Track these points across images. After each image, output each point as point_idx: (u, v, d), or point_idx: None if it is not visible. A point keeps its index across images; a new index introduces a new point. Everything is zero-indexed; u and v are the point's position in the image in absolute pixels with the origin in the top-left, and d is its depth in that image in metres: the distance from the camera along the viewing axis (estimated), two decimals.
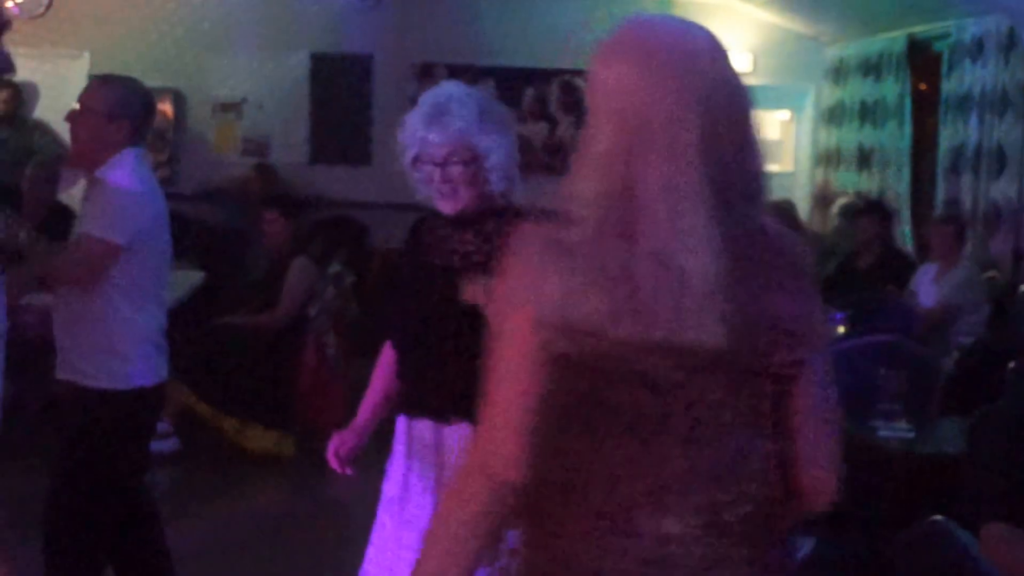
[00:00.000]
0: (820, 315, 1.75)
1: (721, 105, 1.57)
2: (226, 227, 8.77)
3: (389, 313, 2.91)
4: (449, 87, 2.70)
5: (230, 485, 5.72)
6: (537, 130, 9.29)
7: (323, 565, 4.58)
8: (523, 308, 1.59)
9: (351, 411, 3.33)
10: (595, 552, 1.66)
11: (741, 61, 9.20)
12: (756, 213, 1.60)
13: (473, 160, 2.59)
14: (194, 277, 6.45)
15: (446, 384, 2.64)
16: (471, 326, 2.42)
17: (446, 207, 2.62)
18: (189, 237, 8.84)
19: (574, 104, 9.30)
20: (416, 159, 2.62)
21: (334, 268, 6.53)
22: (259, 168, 8.90)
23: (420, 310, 2.69)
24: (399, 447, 2.81)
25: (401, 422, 2.78)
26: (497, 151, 2.62)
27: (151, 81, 9.12)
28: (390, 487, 2.78)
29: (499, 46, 8.96)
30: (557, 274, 1.57)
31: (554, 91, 9.23)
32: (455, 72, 8.93)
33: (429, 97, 2.65)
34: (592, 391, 1.62)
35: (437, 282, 2.64)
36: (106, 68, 9.79)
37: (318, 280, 6.25)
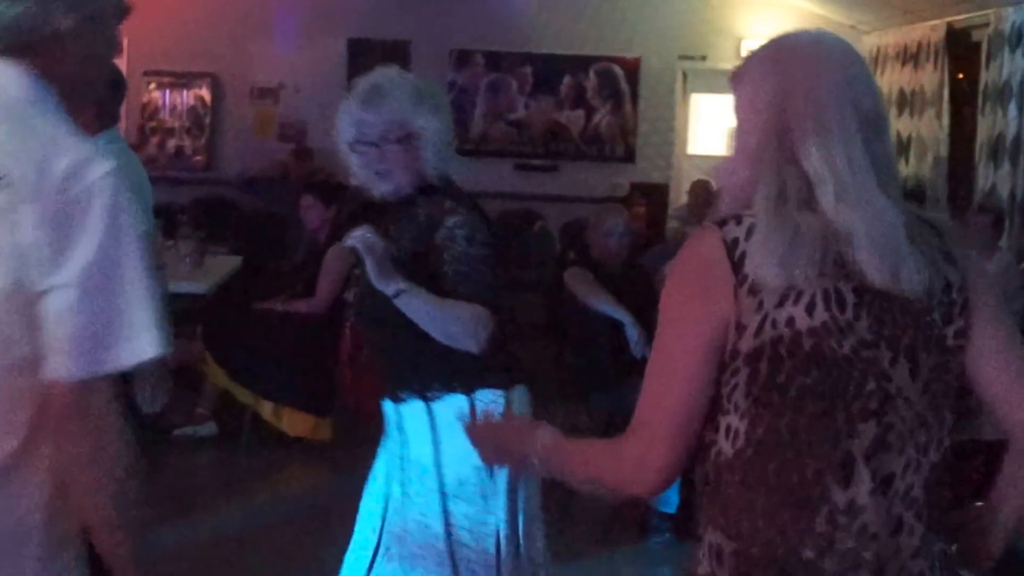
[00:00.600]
0: (986, 282, 1.82)
1: (861, 94, 1.69)
2: (264, 212, 8.80)
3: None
4: (384, 70, 2.75)
5: (268, 469, 5.76)
6: (574, 118, 9.22)
7: None
8: (700, 301, 1.68)
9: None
10: (783, 527, 1.70)
11: None
12: (899, 195, 1.70)
13: (408, 139, 2.63)
14: (232, 262, 6.49)
15: (395, 365, 2.73)
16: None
17: (383, 188, 2.66)
18: (227, 222, 8.89)
19: (611, 92, 9.25)
20: (355, 142, 2.66)
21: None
22: (296, 153, 8.92)
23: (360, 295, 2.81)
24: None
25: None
26: (432, 130, 2.65)
27: (190, 66, 9.32)
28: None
29: (537, 33, 8.92)
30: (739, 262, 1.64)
31: (592, 79, 9.16)
32: (492, 59, 8.95)
33: (364, 81, 2.70)
34: (773, 372, 1.67)
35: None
36: (145, 54, 9.95)
37: (356, 265, 6.20)
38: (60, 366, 1.60)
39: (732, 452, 1.71)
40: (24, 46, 1.69)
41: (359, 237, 2.53)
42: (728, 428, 1.71)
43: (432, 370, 2.71)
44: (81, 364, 1.61)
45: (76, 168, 1.61)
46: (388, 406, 2.81)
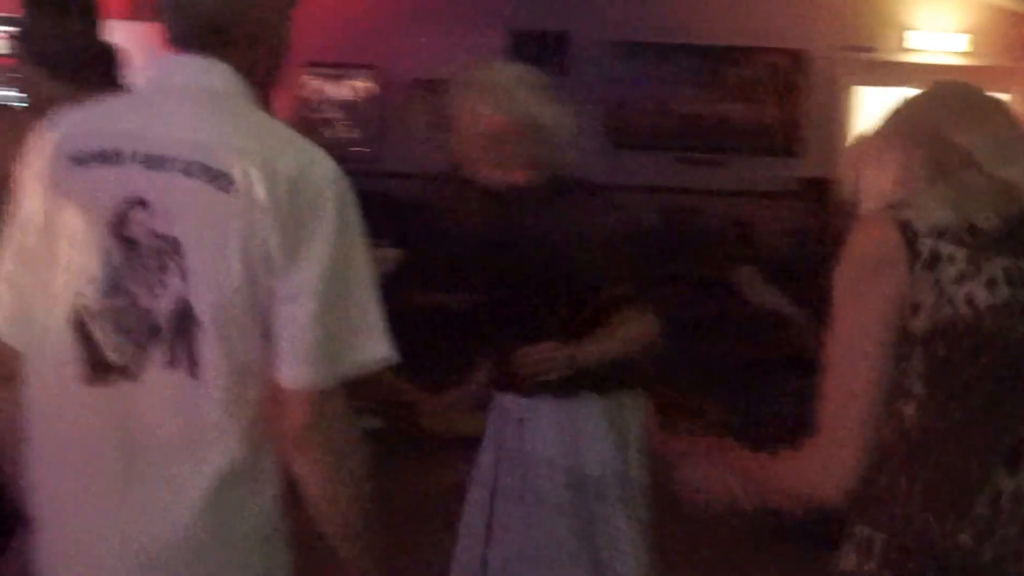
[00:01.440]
0: None
1: None
2: (424, 204, 8.53)
3: None
4: (500, 64, 2.82)
5: (429, 462, 5.89)
6: (738, 110, 9.03)
7: None
8: (874, 284, 1.68)
9: None
10: (941, 513, 1.68)
11: (958, 42, 8.99)
12: None
13: (530, 132, 2.63)
14: (393, 255, 6.54)
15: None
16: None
17: (509, 180, 2.67)
18: (387, 214, 8.98)
19: (776, 84, 9.08)
20: (468, 132, 2.66)
21: None
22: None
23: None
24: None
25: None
26: (555, 123, 2.66)
27: (350, 58, 9.38)
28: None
29: (700, 24, 8.76)
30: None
31: (756, 70, 8.97)
32: (654, 51, 8.83)
33: (480, 74, 2.74)
34: (949, 354, 1.65)
35: None
36: (305, 46, 10.03)
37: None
38: (301, 375, 1.59)
39: (895, 439, 1.68)
40: (222, 40, 1.67)
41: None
42: (894, 415, 1.68)
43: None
44: (322, 372, 1.59)
45: (302, 168, 1.59)
46: (508, 399, 2.81)
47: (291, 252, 1.58)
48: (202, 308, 1.58)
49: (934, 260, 1.66)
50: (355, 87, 9.73)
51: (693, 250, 7.91)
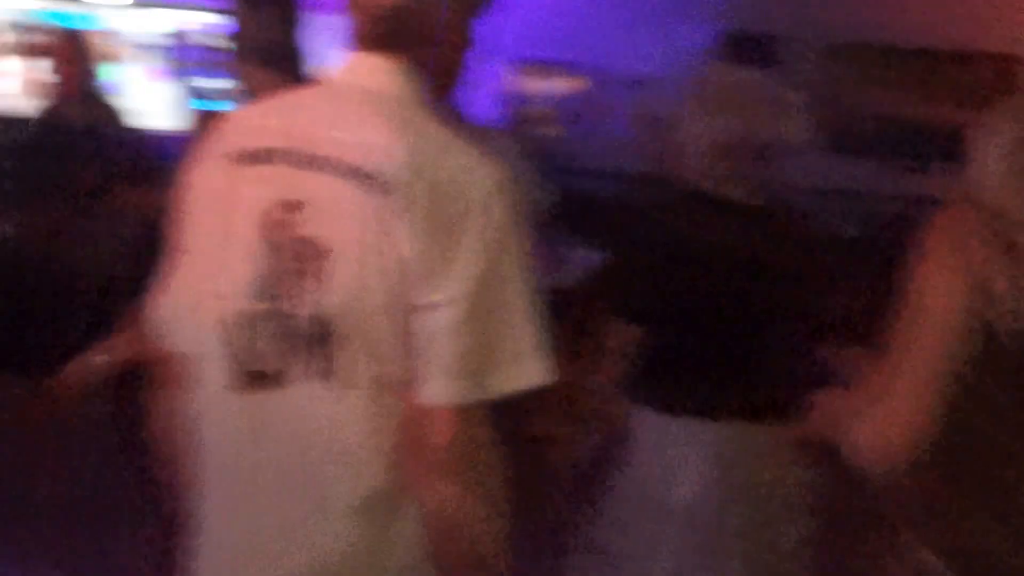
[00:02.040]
0: None
1: None
2: (630, 205, 8.48)
3: None
4: (739, 71, 2.70)
5: None
6: (957, 116, 8.54)
7: None
8: (951, 271, 1.67)
9: None
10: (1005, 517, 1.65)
11: None
12: None
13: (768, 146, 2.56)
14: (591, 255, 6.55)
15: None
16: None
17: (739, 191, 2.57)
18: (592, 214, 8.99)
19: (1001, 90, 8.49)
20: (701, 140, 2.57)
21: None
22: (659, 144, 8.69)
23: None
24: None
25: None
26: (789, 133, 2.60)
27: (559, 55, 9.41)
28: None
29: (919, 26, 8.43)
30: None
31: (979, 76, 8.56)
32: (869, 53, 8.56)
33: (716, 81, 2.64)
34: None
35: None
36: (514, 43, 10.07)
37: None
38: (442, 390, 1.51)
39: (975, 458, 1.64)
40: (402, 39, 1.62)
41: None
42: (965, 409, 1.63)
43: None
44: (464, 389, 1.51)
45: (457, 175, 1.51)
46: (657, 418, 2.67)
47: (438, 262, 1.49)
48: (340, 316, 1.52)
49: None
50: (563, 84, 9.76)
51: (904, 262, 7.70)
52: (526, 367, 1.54)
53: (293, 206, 1.54)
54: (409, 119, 1.56)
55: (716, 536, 2.60)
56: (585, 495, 2.87)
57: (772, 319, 2.63)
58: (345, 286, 1.50)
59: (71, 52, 4.89)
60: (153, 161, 4.59)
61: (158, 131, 5.77)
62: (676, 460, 2.62)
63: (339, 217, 1.50)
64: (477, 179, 1.52)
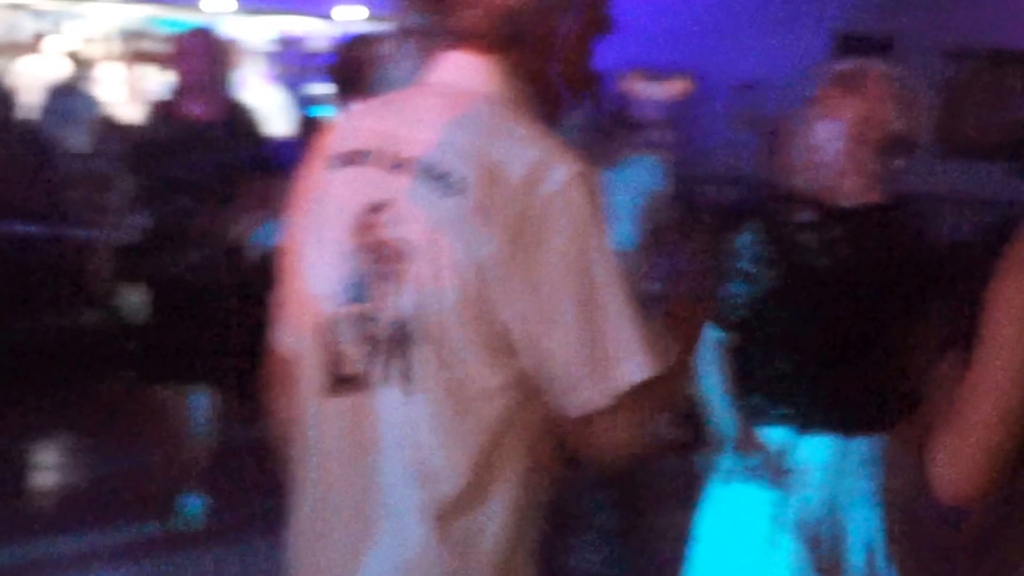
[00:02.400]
0: None
1: None
2: (740, 208, 8.53)
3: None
4: (865, 63, 2.61)
5: None
6: None
7: None
8: None
9: None
10: None
11: None
12: None
13: (890, 141, 2.48)
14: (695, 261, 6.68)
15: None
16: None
17: (863, 195, 2.49)
18: (703, 218, 9.01)
19: None
20: (827, 141, 2.49)
21: None
22: (769, 148, 8.67)
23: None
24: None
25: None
26: (915, 133, 2.52)
27: (668, 60, 9.47)
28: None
29: None
30: None
31: None
32: (989, 56, 8.45)
33: (840, 71, 2.57)
34: None
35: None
36: (622, 48, 10.32)
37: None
38: (566, 403, 1.52)
39: None
40: (513, 39, 1.61)
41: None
42: None
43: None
44: (585, 397, 1.51)
45: (538, 175, 1.48)
46: (783, 434, 2.60)
47: (521, 265, 1.49)
48: (418, 320, 1.53)
49: None
50: (673, 89, 9.66)
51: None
52: (635, 366, 1.52)
53: (378, 208, 1.55)
54: (498, 119, 1.56)
55: (833, 548, 2.58)
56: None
57: (888, 327, 2.56)
58: (420, 288, 1.50)
59: (208, 53, 5.00)
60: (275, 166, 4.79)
61: (273, 137, 6.00)
62: (796, 475, 2.60)
63: (418, 218, 1.51)
64: (560, 178, 1.48)
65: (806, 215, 2.61)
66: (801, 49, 9.02)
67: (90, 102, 9.78)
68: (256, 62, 10.84)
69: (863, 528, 2.59)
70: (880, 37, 8.43)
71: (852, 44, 8.36)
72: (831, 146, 2.48)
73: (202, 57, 4.92)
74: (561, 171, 1.48)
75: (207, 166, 4.84)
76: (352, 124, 1.71)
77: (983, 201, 7.67)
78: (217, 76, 4.97)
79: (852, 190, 2.53)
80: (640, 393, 1.51)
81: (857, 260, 2.56)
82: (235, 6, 10.99)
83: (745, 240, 2.66)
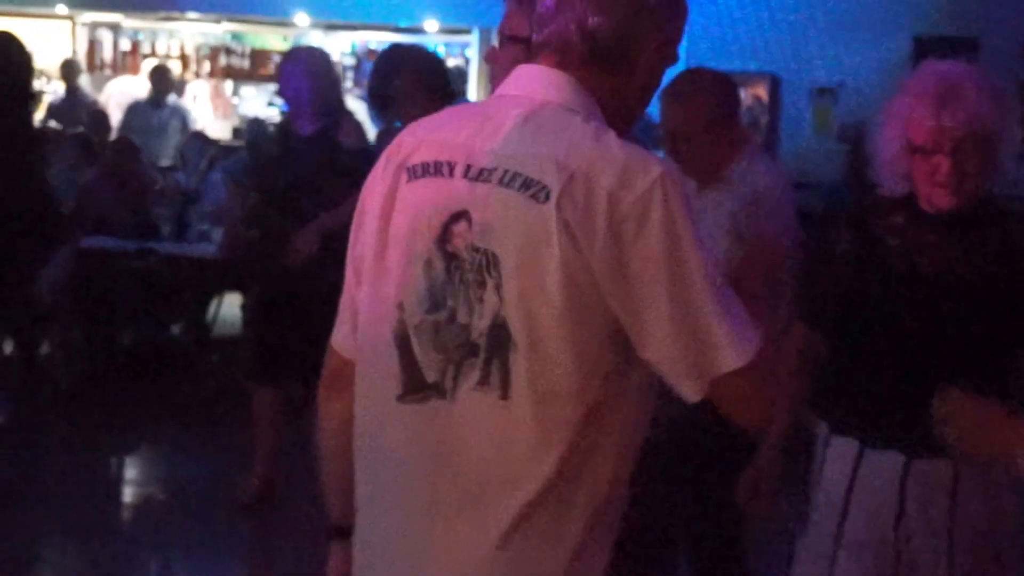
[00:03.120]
0: None
1: None
2: (822, 214, 8.47)
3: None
4: (953, 66, 2.47)
5: None
6: None
7: None
8: None
9: None
10: None
11: None
12: None
13: (986, 145, 2.36)
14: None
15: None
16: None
17: (945, 201, 2.37)
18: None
19: None
20: (916, 148, 2.37)
21: None
22: (854, 155, 8.66)
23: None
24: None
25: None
26: (1010, 136, 2.39)
27: (747, 65, 9.40)
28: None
29: None
30: None
31: None
32: None
33: (931, 77, 2.42)
34: None
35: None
36: (702, 52, 10.15)
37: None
38: (677, 388, 1.57)
39: None
40: (595, 56, 1.65)
41: None
42: None
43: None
44: (689, 385, 1.56)
45: (623, 182, 1.53)
46: (851, 446, 2.53)
47: (616, 268, 1.54)
48: (517, 326, 1.56)
49: None
50: (752, 94, 9.51)
51: None
52: (726, 357, 1.57)
53: (466, 217, 1.58)
54: (578, 130, 1.60)
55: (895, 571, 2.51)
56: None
57: (977, 338, 2.46)
58: (517, 296, 1.54)
59: (312, 72, 5.20)
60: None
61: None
62: (861, 491, 2.53)
63: (509, 227, 1.55)
64: (644, 183, 1.53)
65: (894, 220, 2.54)
66: (881, 53, 9.01)
67: (180, 117, 10.06)
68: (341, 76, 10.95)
69: (929, 558, 2.48)
70: (963, 39, 8.26)
71: (933, 47, 8.21)
72: (914, 148, 2.38)
73: (305, 76, 5.07)
74: (646, 175, 1.52)
75: (316, 180, 5.00)
76: (427, 135, 1.71)
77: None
78: (325, 93, 5.11)
79: (936, 194, 2.43)
80: (736, 381, 1.55)
81: (947, 267, 2.47)
82: (318, 21, 11.20)
83: (833, 245, 2.64)
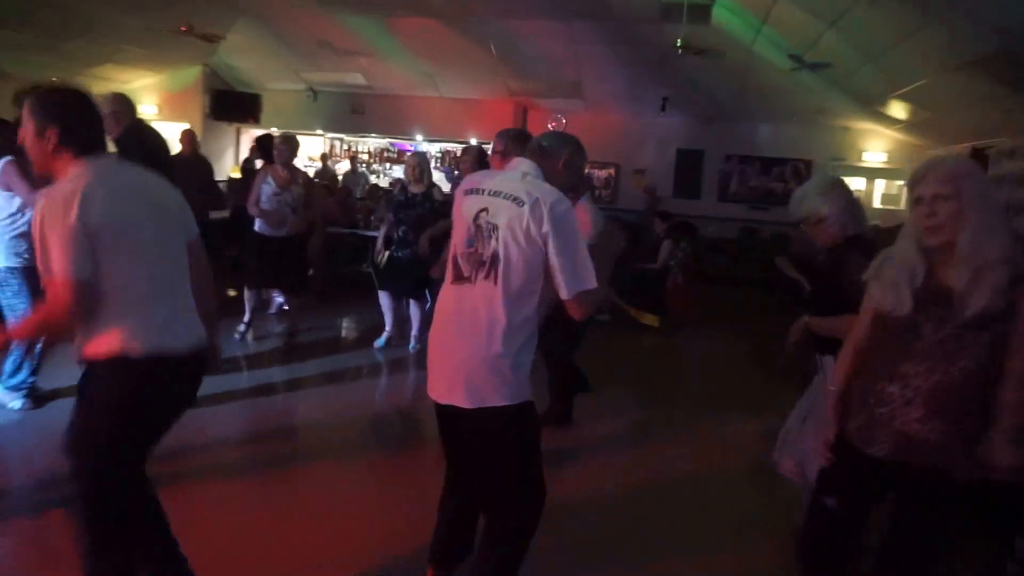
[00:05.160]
0: None
1: None
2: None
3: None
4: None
5: (634, 335, 8.88)
6: None
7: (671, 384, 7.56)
8: None
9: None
10: None
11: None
12: None
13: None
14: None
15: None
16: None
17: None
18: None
19: None
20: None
21: (683, 244, 10.32)
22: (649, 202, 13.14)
23: None
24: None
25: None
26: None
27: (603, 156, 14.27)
28: None
29: None
30: None
31: None
32: None
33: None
34: None
35: None
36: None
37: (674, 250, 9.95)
38: (562, 292, 2.76)
39: None
40: (545, 159, 2.94)
41: None
42: None
43: None
44: (564, 291, 2.76)
45: (552, 201, 2.71)
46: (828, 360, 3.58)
47: (548, 236, 2.60)
48: (504, 254, 2.66)
49: None
50: (607, 173, 13.09)
51: None
52: (585, 280, 2.78)
53: (486, 210, 2.77)
54: (536, 180, 2.80)
55: None
56: None
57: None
58: (505, 242, 2.71)
59: (420, 165, 7.49)
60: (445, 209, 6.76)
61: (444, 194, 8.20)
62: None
63: (505, 215, 2.70)
64: (557, 201, 2.72)
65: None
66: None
67: (364, 178, 15.49)
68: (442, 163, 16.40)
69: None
70: None
71: None
72: None
73: (418, 167, 7.45)
74: (559, 200, 2.71)
75: (423, 214, 7.42)
76: (474, 180, 2.89)
77: None
78: (424, 174, 7.46)
79: None
80: (588, 294, 2.69)
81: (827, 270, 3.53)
82: (426, 137, 16.17)
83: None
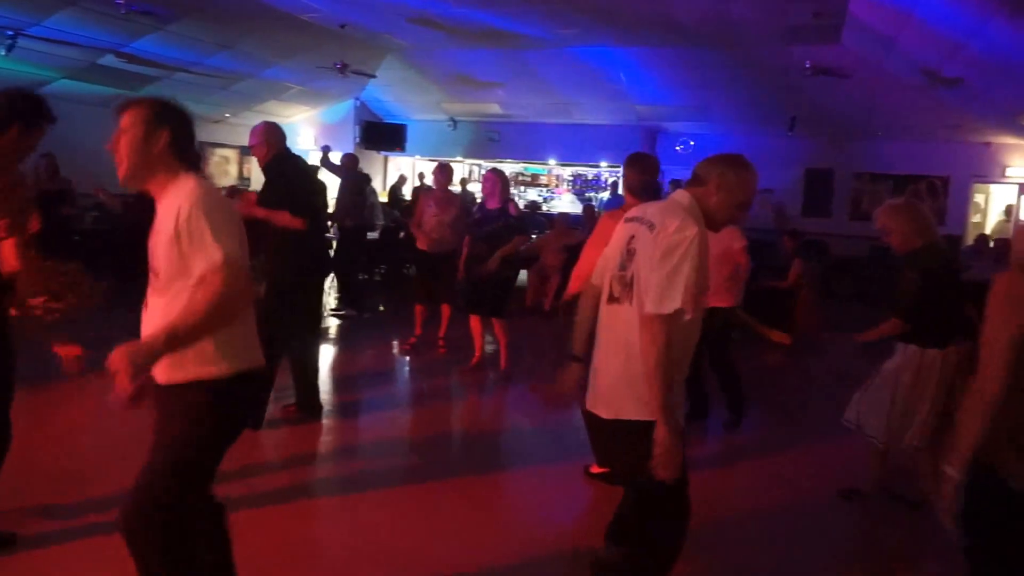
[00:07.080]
0: None
1: None
2: None
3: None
4: None
5: (763, 351, 8.98)
6: None
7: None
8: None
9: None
10: None
11: None
12: None
13: None
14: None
15: None
16: None
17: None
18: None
19: None
20: None
21: (812, 263, 10.44)
22: None
23: None
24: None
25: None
26: None
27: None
28: None
29: None
30: None
31: None
32: None
33: None
34: None
35: None
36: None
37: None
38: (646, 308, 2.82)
39: None
40: (696, 183, 2.99)
41: None
42: None
43: None
44: (651, 309, 2.80)
45: (677, 227, 2.81)
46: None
47: (655, 257, 2.74)
48: (638, 277, 2.83)
49: None
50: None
51: None
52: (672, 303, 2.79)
53: (634, 236, 2.96)
54: (676, 210, 2.90)
55: None
56: None
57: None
58: (638, 266, 2.87)
59: (495, 180, 7.53)
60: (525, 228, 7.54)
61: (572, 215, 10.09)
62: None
63: (642, 241, 2.90)
64: (680, 228, 2.82)
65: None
66: None
67: (472, 197, 15.77)
68: (568, 186, 17.42)
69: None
70: None
71: None
72: None
73: (493, 182, 7.48)
74: (685, 228, 2.81)
75: (499, 231, 7.38)
76: (632, 211, 3.10)
77: None
78: (500, 190, 7.46)
79: None
80: (659, 319, 2.74)
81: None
82: (557, 160, 16.92)
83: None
